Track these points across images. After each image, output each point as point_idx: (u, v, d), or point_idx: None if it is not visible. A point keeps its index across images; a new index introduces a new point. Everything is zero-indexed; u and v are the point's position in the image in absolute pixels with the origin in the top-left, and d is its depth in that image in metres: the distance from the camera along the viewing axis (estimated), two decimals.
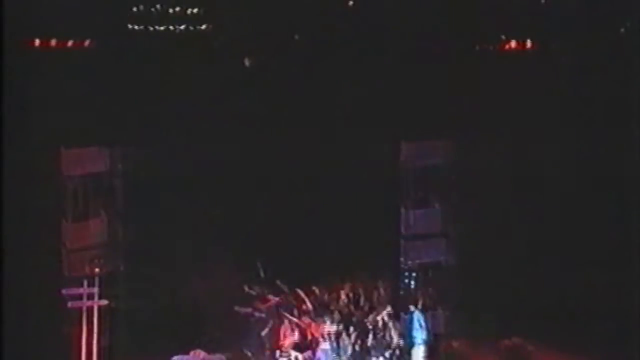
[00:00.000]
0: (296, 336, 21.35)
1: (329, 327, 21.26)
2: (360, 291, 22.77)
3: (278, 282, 22.68)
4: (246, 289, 22.56)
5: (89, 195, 22.73)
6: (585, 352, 21.88)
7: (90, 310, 21.27)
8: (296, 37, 23.79)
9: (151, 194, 23.13)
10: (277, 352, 21.42)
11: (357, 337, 21.35)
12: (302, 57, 23.54)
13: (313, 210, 23.62)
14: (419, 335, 21.08)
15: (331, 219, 23.60)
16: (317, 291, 22.48)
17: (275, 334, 21.66)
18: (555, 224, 23.46)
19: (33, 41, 22.75)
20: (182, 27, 23.58)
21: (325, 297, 22.53)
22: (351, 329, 21.52)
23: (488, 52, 24.32)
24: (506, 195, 23.62)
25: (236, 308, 22.26)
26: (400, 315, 21.53)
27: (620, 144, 22.23)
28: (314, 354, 21.25)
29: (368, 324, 21.33)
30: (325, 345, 21.04)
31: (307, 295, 22.35)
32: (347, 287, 22.89)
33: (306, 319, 21.93)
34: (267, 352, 21.71)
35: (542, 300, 22.72)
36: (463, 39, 23.64)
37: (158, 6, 23.31)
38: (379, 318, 21.19)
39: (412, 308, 21.47)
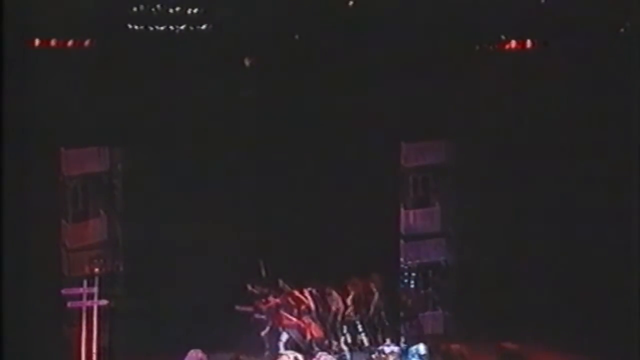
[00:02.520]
0: (296, 336, 21.35)
1: (329, 328, 21.26)
2: (360, 291, 22.78)
3: (280, 281, 22.69)
4: (249, 287, 22.55)
5: (89, 195, 22.74)
6: (586, 352, 21.87)
7: (90, 310, 21.27)
8: (296, 37, 23.79)
9: (151, 194, 23.14)
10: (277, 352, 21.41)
11: (355, 339, 21.36)
12: (302, 57, 23.53)
13: (313, 211, 23.62)
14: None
15: (331, 219, 23.61)
16: (314, 292, 22.48)
17: (275, 333, 21.65)
18: (556, 224, 23.46)
19: (33, 41, 22.72)
20: (182, 27, 23.56)
21: (325, 297, 22.52)
22: (350, 329, 21.52)
23: (488, 52, 24.31)
24: (506, 195, 23.61)
25: (237, 307, 22.26)
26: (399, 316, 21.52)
27: (620, 144, 22.21)
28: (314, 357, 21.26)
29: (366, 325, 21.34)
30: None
31: (306, 295, 22.35)
32: (346, 287, 22.89)
33: (307, 319, 21.92)
34: (267, 352, 21.70)
35: (542, 300, 22.72)
36: (463, 39, 23.63)
37: (158, 6, 23.28)
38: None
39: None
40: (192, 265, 23.32)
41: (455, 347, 21.94)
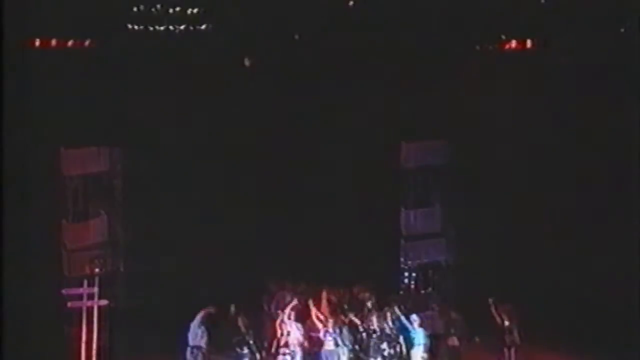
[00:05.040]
0: (297, 334, 21.35)
1: (331, 327, 21.25)
2: (360, 291, 22.77)
3: (284, 282, 22.71)
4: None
5: (89, 195, 22.74)
6: (586, 352, 21.89)
7: (90, 310, 21.25)
8: (296, 37, 23.80)
9: (151, 194, 23.16)
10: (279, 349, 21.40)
11: (357, 337, 21.34)
12: (302, 57, 23.54)
13: (313, 211, 23.64)
14: (417, 336, 21.10)
15: (331, 220, 23.63)
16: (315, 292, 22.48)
17: (275, 331, 21.66)
18: (555, 223, 23.48)
19: (33, 41, 22.72)
20: (182, 27, 23.58)
21: (325, 297, 22.51)
22: (350, 328, 21.51)
23: (488, 52, 24.33)
24: (506, 195, 23.63)
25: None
26: (399, 316, 21.48)
27: (620, 143, 22.24)
28: (316, 354, 21.25)
29: (369, 324, 21.31)
30: (329, 346, 21.05)
31: (307, 295, 22.35)
32: (346, 286, 22.89)
33: (308, 319, 21.90)
34: (268, 351, 21.69)
35: (542, 299, 22.73)
36: (463, 39, 23.65)
37: (158, 6, 23.31)
38: (375, 319, 21.20)
39: (396, 310, 21.45)
40: (192, 265, 23.33)
41: (455, 346, 21.92)
